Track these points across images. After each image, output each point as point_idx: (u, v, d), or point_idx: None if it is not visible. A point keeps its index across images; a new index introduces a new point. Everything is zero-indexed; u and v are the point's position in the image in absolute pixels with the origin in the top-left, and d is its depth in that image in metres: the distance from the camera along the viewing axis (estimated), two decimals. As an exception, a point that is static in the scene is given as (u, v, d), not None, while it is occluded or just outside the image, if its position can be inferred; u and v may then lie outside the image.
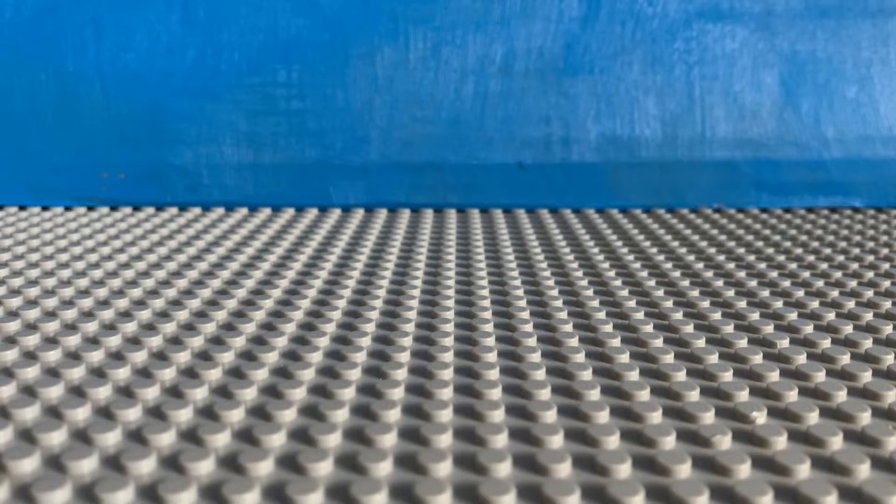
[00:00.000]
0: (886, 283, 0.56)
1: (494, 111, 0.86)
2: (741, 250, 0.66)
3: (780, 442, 0.33)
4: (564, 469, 0.31)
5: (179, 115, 0.84)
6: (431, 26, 0.85)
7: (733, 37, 0.85)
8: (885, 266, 0.61)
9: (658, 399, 0.38)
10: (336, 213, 0.81)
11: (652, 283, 0.56)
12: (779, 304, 0.51)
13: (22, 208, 0.83)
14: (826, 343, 0.44)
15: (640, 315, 0.49)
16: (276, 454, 0.32)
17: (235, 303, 0.51)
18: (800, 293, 0.54)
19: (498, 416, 0.35)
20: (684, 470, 0.31)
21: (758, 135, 0.85)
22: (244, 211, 0.84)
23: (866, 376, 0.40)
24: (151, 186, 0.85)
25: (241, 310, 0.50)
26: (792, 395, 0.38)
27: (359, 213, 0.82)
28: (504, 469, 0.31)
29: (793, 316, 0.49)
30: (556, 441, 0.33)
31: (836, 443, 0.33)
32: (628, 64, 0.86)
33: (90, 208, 0.84)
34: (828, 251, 0.66)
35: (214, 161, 0.85)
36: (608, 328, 0.47)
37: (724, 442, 0.33)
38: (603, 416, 0.35)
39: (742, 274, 0.59)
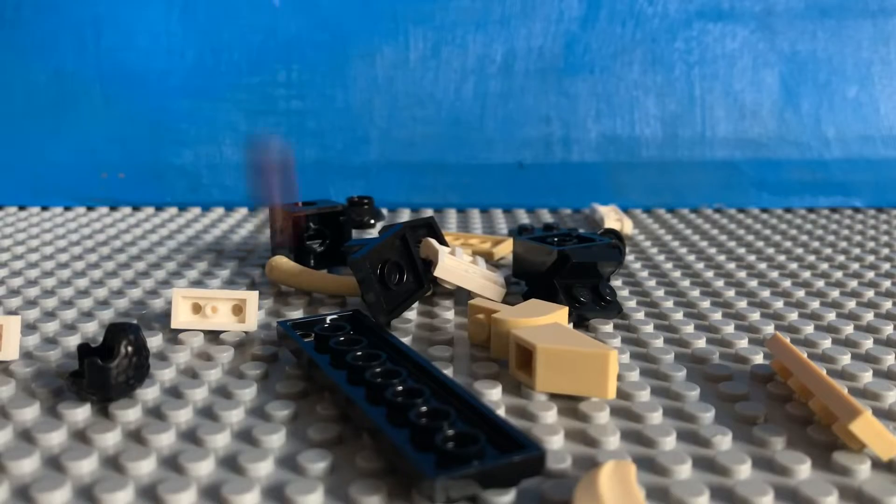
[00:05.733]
0: (887, 284, 0.56)
1: (494, 111, 0.86)
2: (742, 250, 0.66)
3: (780, 442, 0.33)
4: (565, 469, 0.31)
5: (179, 115, 0.84)
6: (431, 26, 0.85)
7: (733, 36, 0.85)
8: (886, 266, 0.61)
9: (658, 399, 0.38)
10: (336, 213, 0.81)
11: (652, 283, 0.56)
12: (779, 304, 0.51)
13: (22, 208, 0.83)
14: (826, 343, 0.44)
15: (640, 315, 0.49)
16: (276, 455, 0.32)
17: (235, 303, 0.51)
18: (800, 293, 0.54)
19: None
20: (684, 470, 0.31)
21: (758, 135, 0.85)
22: (244, 211, 0.84)
23: (866, 376, 0.40)
24: (151, 186, 0.85)
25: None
26: (792, 396, 0.38)
27: (359, 213, 0.81)
28: (504, 469, 0.31)
29: (793, 316, 0.49)
30: (557, 441, 0.33)
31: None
32: (628, 64, 0.86)
33: (90, 208, 0.84)
34: (828, 251, 0.66)
35: (214, 161, 0.85)
36: (608, 328, 0.47)
37: (724, 442, 0.33)
38: (603, 417, 0.35)
39: (742, 274, 0.59)
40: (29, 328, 0.46)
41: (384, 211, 0.82)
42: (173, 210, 0.83)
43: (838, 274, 0.59)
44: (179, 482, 0.30)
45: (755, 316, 0.49)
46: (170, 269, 0.59)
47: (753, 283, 0.56)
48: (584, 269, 0.48)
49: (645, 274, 0.59)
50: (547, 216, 0.82)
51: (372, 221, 0.74)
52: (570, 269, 0.47)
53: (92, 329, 0.46)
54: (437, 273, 0.48)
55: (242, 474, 0.31)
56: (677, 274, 0.59)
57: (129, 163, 0.85)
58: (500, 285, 0.50)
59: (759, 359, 0.42)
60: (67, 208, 0.84)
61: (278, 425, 0.34)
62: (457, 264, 0.49)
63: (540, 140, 0.86)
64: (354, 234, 0.69)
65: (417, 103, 0.86)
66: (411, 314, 0.49)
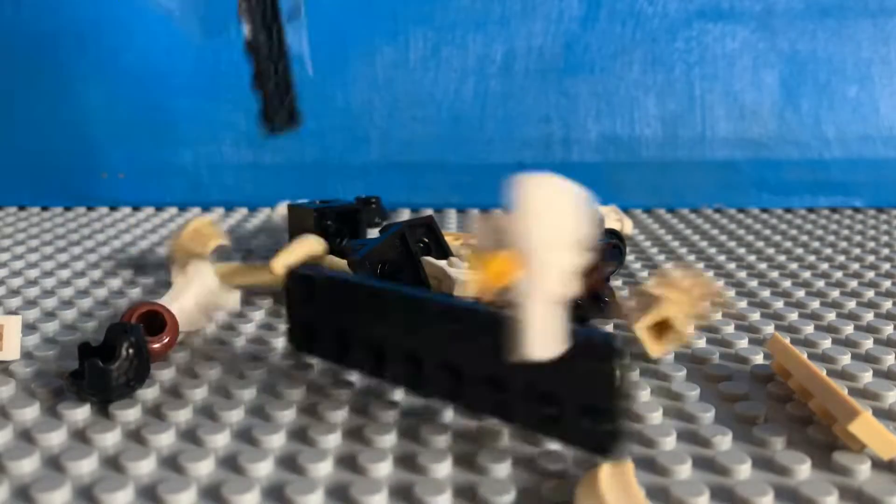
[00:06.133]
0: (887, 284, 0.56)
1: (494, 111, 0.86)
2: (742, 250, 0.66)
3: (780, 442, 0.33)
4: (565, 469, 0.31)
5: (179, 115, 0.84)
6: (431, 26, 0.85)
7: (734, 36, 0.85)
8: (886, 266, 0.61)
9: (658, 399, 0.38)
10: (336, 213, 0.81)
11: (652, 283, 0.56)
12: (779, 304, 0.51)
13: (22, 208, 0.83)
14: (826, 343, 0.44)
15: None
16: (276, 455, 0.32)
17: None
18: (800, 293, 0.54)
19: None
20: (684, 470, 0.31)
21: (758, 134, 0.85)
22: (244, 211, 0.84)
23: (866, 376, 0.40)
24: (151, 186, 0.85)
25: (240, 310, 0.50)
26: (792, 396, 0.38)
27: (359, 213, 0.81)
28: (504, 469, 0.31)
29: (793, 316, 0.49)
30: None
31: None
32: (628, 63, 0.85)
33: (90, 208, 0.84)
34: (828, 251, 0.66)
35: (214, 161, 0.85)
36: (608, 328, 0.47)
37: (724, 442, 0.33)
38: (603, 417, 0.35)
39: (742, 274, 0.59)
40: (29, 328, 0.46)
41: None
42: (173, 210, 0.83)
43: (838, 274, 0.59)
44: (179, 482, 0.30)
45: (755, 316, 0.49)
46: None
47: (753, 283, 0.56)
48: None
49: (645, 274, 0.59)
50: (547, 216, 0.82)
51: (378, 220, 0.74)
52: None
53: (92, 329, 0.46)
54: (457, 294, 0.48)
55: (242, 474, 0.31)
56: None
57: (129, 163, 0.85)
58: None
59: (759, 359, 0.42)
60: (67, 208, 0.84)
61: (278, 425, 0.34)
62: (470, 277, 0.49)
63: (540, 140, 0.86)
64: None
65: (417, 103, 0.85)
66: (411, 314, 0.49)
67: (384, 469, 0.31)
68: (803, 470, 0.31)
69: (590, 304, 0.47)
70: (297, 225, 0.60)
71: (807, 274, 0.59)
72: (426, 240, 0.56)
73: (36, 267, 0.59)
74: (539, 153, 0.85)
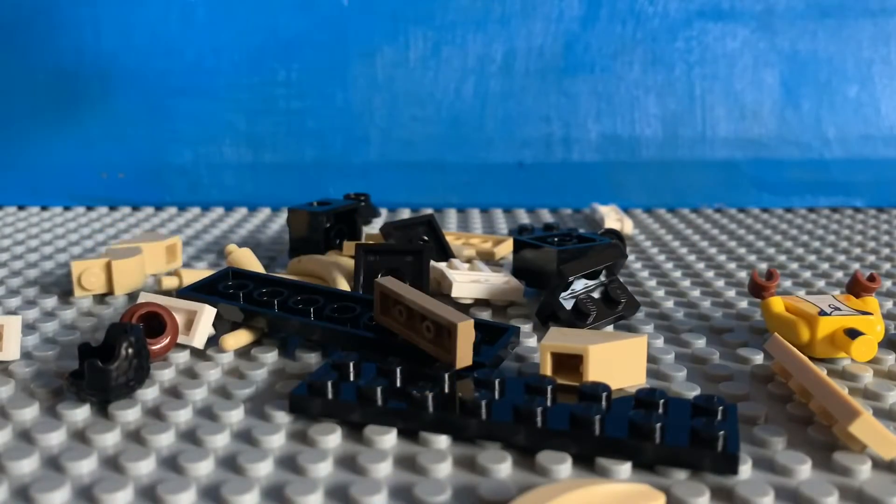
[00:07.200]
0: (888, 284, 0.56)
1: (494, 111, 0.86)
2: (742, 250, 0.66)
3: (781, 442, 0.33)
4: (565, 470, 0.31)
5: (179, 114, 0.84)
6: (431, 26, 0.85)
7: (734, 36, 0.85)
8: (886, 266, 0.61)
9: (658, 399, 0.37)
10: (336, 213, 0.81)
11: (652, 283, 0.56)
12: (779, 303, 0.51)
13: (22, 208, 0.83)
14: (827, 343, 0.44)
15: (640, 315, 0.49)
16: (276, 455, 0.32)
17: (235, 303, 0.51)
18: (800, 293, 0.54)
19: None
20: (685, 470, 0.31)
21: (759, 134, 0.85)
22: (244, 210, 0.84)
23: (866, 376, 0.40)
24: (151, 186, 0.85)
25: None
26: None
27: (359, 213, 0.81)
28: (504, 470, 0.31)
29: (793, 316, 0.49)
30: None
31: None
32: (629, 63, 0.85)
33: (90, 208, 0.84)
34: (829, 251, 0.66)
35: (214, 161, 0.85)
36: (609, 329, 0.47)
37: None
38: (603, 417, 0.35)
39: (742, 274, 0.59)
40: (29, 328, 0.46)
41: (383, 210, 0.83)
42: (173, 210, 0.83)
43: (838, 274, 0.59)
44: (179, 482, 0.30)
45: (756, 316, 0.49)
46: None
47: (754, 283, 0.56)
48: (585, 278, 0.47)
49: (645, 274, 0.59)
50: (547, 216, 0.82)
51: (369, 219, 0.75)
52: (569, 284, 0.46)
53: (92, 329, 0.46)
54: (455, 294, 0.48)
55: (242, 474, 0.31)
56: (677, 274, 0.59)
57: (128, 162, 0.85)
58: (514, 283, 0.50)
59: (759, 359, 0.42)
60: (67, 208, 0.84)
61: (278, 425, 0.34)
62: (468, 278, 0.49)
63: (540, 140, 0.86)
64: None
65: (417, 103, 0.86)
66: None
67: (384, 469, 0.31)
68: (803, 470, 0.31)
69: (602, 306, 0.47)
70: (297, 227, 0.60)
71: (807, 274, 0.59)
72: (426, 238, 0.56)
73: (36, 267, 0.59)
74: (539, 153, 0.85)
